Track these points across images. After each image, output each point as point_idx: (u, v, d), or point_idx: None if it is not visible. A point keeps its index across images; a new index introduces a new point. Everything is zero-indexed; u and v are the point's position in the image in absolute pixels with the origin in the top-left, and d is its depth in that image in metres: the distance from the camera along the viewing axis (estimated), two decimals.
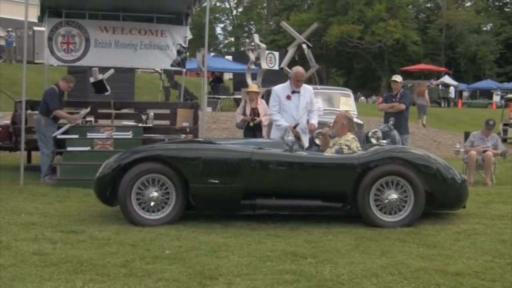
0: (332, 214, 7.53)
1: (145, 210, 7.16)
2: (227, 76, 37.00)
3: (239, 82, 27.50)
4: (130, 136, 11.04)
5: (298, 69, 9.20)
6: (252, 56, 17.94)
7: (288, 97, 9.04)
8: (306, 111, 9.09)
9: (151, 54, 13.33)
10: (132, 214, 7.12)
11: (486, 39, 60.22)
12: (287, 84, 9.21)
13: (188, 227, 6.99)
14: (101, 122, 12.40)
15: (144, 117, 11.91)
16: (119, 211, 7.35)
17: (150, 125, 11.69)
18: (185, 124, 11.91)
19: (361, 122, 11.55)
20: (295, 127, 8.54)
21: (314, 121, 9.12)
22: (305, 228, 7.10)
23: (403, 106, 11.87)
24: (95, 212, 7.95)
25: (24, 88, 10.67)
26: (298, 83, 9.05)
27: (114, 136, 10.92)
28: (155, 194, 7.13)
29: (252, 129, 11.42)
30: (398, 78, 12.50)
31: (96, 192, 7.55)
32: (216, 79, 30.90)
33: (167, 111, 13.02)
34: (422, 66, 55.66)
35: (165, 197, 7.19)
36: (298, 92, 9.04)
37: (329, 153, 7.88)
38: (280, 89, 9.19)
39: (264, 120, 11.26)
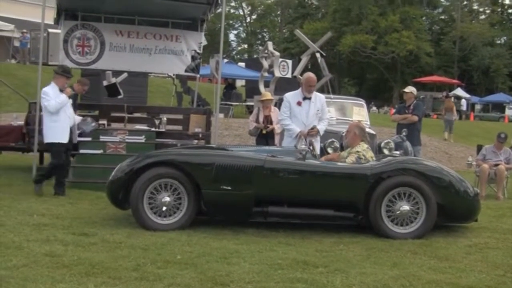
0: (343, 224, 7.53)
1: (157, 214, 7.17)
2: (240, 83, 37.02)
3: (252, 89, 27.51)
4: (143, 140, 11.09)
5: (310, 74, 9.21)
6: (265, 64, 17.98)
7: (299, 103, 9.05)
8: (316, 118, 9.08)
9: (165, 59, 13.37)
10: (144, 218, 7.13)
11: (499, 52, 60.06)
12: (298, 90, 9.23)
13: (199, 233, 7.00)
14: (114, 125, 12.44)
15: (157, 121, 11.95)
16: (130, 215, 7.38)
17: (163, 129, 11.73)
18: (197, 130, 11.94)
19: (374, 133, 11.55)
20: (312, 129, 8.58)
21: (320, 127, 9.09)
22: (316, 237, 7.10)
23: (415, 118, 11.85)
24: (107, 215, 7.98)
25: (39, 89, 10.73)
26: (310, 89, 9.05)
27: (126, 140, 10.97)
28: (167, 199, 7.15)
29: (265, 136, 11.45)
30: (411, 89, 12.49)
31: (109, 195, 7.58)
32: (229, 86, 30.92)
33: (180, 117, 13.06)
34: (435, 78, 55.57)
35: (177, 202, 7.21)
36: (309, 98, 9.05)
37: (348, 161, 7.86)
38: (291, 96, 9.22)
39: (277, 128, 11.27)
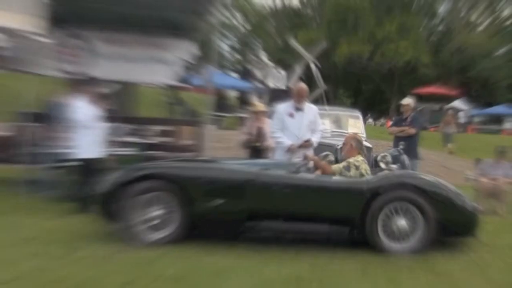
0: (338, 239, 7.58)
1: (149, 228, 7.21)
2: (232, 94, 37.12)
3: (245, 100, 27.60)
4: (134, 153, 11.12)
5: (301, 85, 9.31)
6: (258, 75, 18.08)
7: (291, 115, 9.13)
8: (309, 130, 9.15)
9: (157, 68, 13.44)
10: (134, 232, 7.16)
11: (498, 64, 60.31)
12: (290, 102, 9.30)
13: (191, 247, 7.03)
14: None
15: (147, 133, 11.99)
16: (120, 229, 7.40)
17: (154, 141, 11.77)
18: (189, 141, 11.98)
19: (370, 146, 11.61)
20: (306, 141, 8.65)
21: (314, 139, 9.16)
22: (310, 252, 7.14)
23: (413, 131, 11.93)
24: (96, 228, 8.00)
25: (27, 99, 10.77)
26: (301, 99, 9.13)
27: (116, 152, 10.99)
28: (159, 212, 7.19)
29: (258, 149, 11.48)
30: (408, 101, 12.58)
31: (98, 209, 7.60)
32: (221, 97, 30.99)
33: (172, 128, 13.11)
34: (432, 89, 55.72)
35: (169, 216, 7.25)
36: (302, 110, 9.13)
37: (337, 168, 7.91)
38: (282, 107, 9.29)
39: (271, 143, 11.30)
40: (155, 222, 7.20)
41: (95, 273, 5.67)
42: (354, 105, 58.56)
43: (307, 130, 9.14)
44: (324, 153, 10.36)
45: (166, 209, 7.24)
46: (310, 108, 9.29)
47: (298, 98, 9.14)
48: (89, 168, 9.38)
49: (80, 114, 9.29)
